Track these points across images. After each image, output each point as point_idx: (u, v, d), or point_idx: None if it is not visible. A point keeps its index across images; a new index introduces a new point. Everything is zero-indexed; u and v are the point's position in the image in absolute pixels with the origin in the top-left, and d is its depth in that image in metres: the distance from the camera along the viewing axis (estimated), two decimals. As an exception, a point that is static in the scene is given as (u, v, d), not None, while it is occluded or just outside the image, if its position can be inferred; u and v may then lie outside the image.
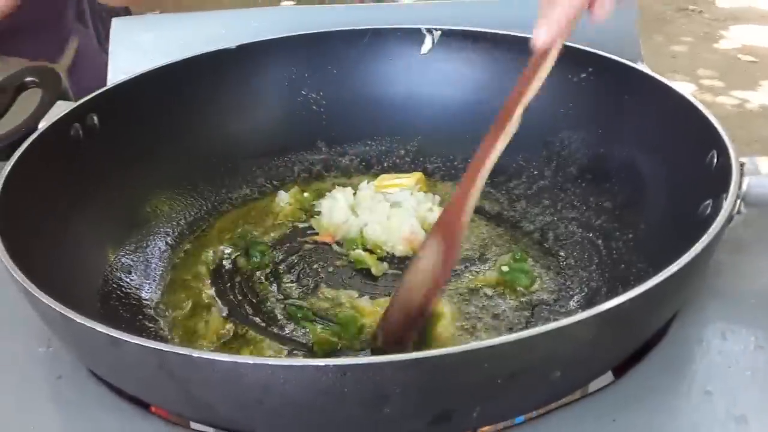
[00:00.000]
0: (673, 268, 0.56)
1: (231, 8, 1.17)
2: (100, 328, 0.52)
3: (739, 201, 0.65)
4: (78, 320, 0.53)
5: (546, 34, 0.69)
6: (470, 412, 0.55)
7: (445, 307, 0.74)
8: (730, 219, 0.63)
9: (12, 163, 0.73)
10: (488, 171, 0.70)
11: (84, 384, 0.63)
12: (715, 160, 0.70)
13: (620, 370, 0.63)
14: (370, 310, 0.75)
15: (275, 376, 0.49)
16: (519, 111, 0.69)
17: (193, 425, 0.61)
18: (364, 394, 0.50)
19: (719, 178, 0.67)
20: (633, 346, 0.62)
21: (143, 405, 0.62)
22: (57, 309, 0.54)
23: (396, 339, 0.69)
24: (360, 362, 0.50)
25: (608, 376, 0.64)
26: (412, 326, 0.69)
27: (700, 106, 0.75)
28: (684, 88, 0.79)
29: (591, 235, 0.84)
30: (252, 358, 0.49)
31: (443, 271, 0.68)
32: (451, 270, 0.74)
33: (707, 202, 0.68)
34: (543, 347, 0.53)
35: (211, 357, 0.50)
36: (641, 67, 0.87)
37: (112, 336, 0.51)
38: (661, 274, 0.55)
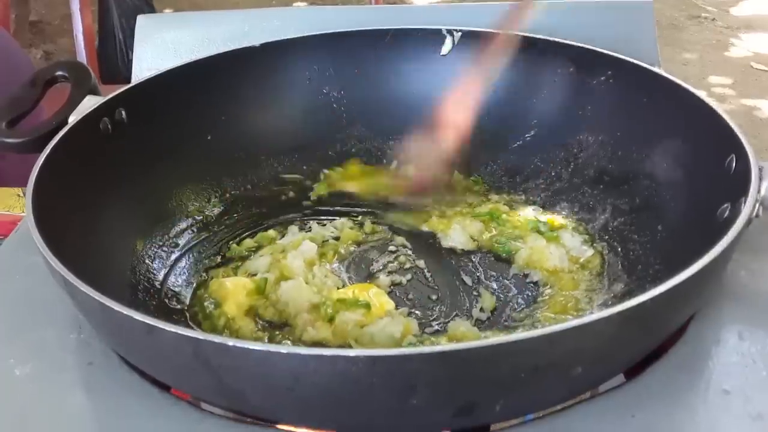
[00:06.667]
0: (693, 269, 0.57)
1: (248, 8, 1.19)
2: (138, 316, 0.53)
3: (758, 205, 0.66)
4: (116, 308, 0.54)
5: None
6: (493, 405, 0.56)
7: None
8: (748, 222, 0.64)
9: (45, 155, 0.75)
10: None
11: (114, 370, 0.65)
12: (734, 164, 0.71)
13: (634, 372, 0.64)
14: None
15: (307, 365, 0.51)
16: None
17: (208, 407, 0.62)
18: (393, 385, 0.52)
19: (738, 182, 0.68)
20: (653, 344, 0.63)
21: (169, 389, 0.63)
22: (96, 298, 0.56)
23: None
24: (390, 353, 0.52)
25: (620, 378, 0.65)
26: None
27: (719, 110, 0.76)
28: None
29: (607, 236, 0.85)
30: (285, 348, 0.51)
31: None
32: None
33: (725, 205, 0.69)
34: (566, 343, 0.54)
35: (245, 345, 0.51)
36: (659, 71, 0.88)
37: (149, 324, 0.53)
38: (681, 274, 0.56)
